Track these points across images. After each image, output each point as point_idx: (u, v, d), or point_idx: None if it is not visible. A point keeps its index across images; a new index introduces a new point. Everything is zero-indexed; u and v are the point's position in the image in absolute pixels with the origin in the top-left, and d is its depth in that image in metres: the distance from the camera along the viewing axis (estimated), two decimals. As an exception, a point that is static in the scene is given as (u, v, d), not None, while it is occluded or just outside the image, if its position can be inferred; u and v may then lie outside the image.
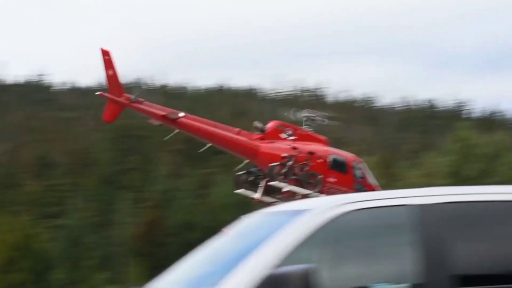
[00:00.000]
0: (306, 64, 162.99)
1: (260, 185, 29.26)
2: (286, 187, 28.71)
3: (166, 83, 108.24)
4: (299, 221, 6.62)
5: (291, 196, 28.32)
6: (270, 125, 29.54)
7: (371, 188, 29.26)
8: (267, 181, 28.84)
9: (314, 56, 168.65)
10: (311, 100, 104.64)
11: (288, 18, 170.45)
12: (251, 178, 29.57)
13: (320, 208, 6.73)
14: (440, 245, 6.68)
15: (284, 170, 28.10)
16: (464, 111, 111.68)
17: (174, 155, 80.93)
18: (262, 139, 29.20)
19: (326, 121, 31.68)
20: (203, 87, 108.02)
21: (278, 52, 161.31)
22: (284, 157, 28.23)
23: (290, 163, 28.16)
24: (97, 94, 28.72)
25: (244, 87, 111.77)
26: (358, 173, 30.30)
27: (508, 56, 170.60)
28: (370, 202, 6.87)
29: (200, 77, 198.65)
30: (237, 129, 29.42)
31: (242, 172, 29.73)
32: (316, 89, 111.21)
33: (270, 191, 29.06)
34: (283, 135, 29.60)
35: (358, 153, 34.12)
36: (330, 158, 29.83)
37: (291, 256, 6.42)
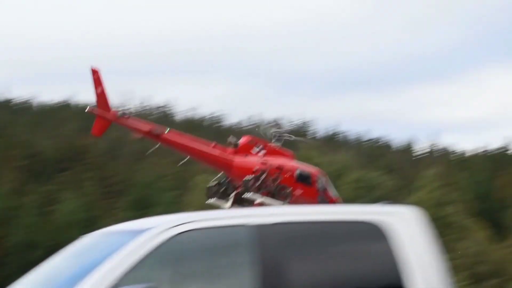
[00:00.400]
0: (154, 82, 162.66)
1: (230, 196, 31.71)
2: (259, 199, 31.17)
3: (10, 97, 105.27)
4: (137, 241, 6.60)
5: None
6: (243, 140, 32.81)
7: (332, 200, 30.98)
8: (238, 192, 31.12)
9: (162, 73, 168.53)
10: (159, 118, 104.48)
11: (135, 35, 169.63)
12: (222, 189, 32.54)
13: (159, 228, 6.72)
14: (277, 264, 6.79)
15: (258, 183, 31.11)
16: (308, 131, 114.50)
17: (17, 171, 78.77)
18: (235, 153, 32.63)
19: (293, 137, 35.03)
20: (50, 102, 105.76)
21: (125, 68, 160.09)
22: (257, 171, 31.23)
23: (263, 176, 31.04)
24: (87, 111, 31.81)
25: (91, 102, 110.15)
26: (321, 186, 32.76)
27: (351, 78, 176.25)
28: (209, 221, 6.92)
29: (47, 91, 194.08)
30: (212, 144, 32.42)
31: (214, 183, 32.48)
32: (164, 107, 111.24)
33: (239, 201, 31.26)
34: (255, 150, 32.53)
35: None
36: (297, 172, 31.96)
37: (130, 276, 6.38)
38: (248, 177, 31.04)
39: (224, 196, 32.93)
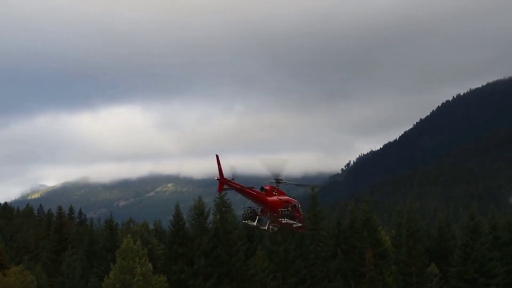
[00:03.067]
0: None
1: (257, 217, 58.40)
2: (285, 220, 57.82)
3: None
4: None
5: (283, 224, 59.34)
6: (269, 188, 59.84)
7: (303, 217, 60.33)
8: (260, 215, 58.84)
9: None
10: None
11: None
12: (252, 214, 58.71)
13: None
14: None
15: (288, 212, 58.16)
16: None
17: None
18: (266, 195, 58.37)
19: (287, 183, 60.67)
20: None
21: None
22: (281, 204, 58.33)
23: (289, 207, 58.38)
24: (216, 178, 56.67)
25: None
26: (300, 209, 59.85)
27: None
28: None
29: None
30: (262, 192, 59.03)
31: (246, 210, 59.45)
32: None
33: (261, 220, 59.21)
34: (274, 192, 58.60)
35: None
36: (293, 202, 59.12)
37: None
38: (283, 208, 57.94)
39: (252, 218, 59.77)
